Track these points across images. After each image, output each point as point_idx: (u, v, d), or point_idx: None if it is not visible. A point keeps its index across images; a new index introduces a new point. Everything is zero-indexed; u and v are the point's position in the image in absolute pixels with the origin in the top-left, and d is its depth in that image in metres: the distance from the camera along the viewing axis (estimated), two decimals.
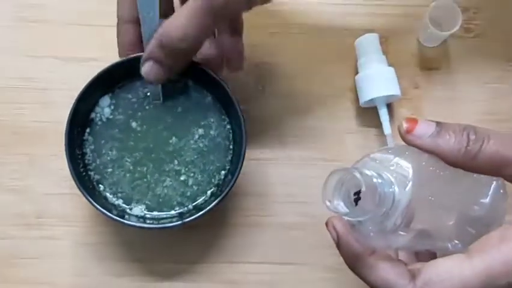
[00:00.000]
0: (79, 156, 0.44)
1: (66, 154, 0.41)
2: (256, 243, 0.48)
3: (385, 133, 0.47)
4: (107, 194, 0.44)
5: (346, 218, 0.32)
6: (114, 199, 0.44)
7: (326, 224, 0.35)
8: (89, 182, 0.44)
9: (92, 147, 0.44)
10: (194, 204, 0.44)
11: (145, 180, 0.44)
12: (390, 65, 0.48)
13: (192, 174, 0.44)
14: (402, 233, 0.31)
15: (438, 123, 0.32)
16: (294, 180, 0.48)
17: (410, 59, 0.51)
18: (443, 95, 0.50)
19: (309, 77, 0.50)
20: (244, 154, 0.42)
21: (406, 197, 0.31)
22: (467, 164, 0.31)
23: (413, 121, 0.32)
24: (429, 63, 0.51)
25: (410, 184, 0.31)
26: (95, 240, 0.47)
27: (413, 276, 0.31)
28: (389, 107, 0.49)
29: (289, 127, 0.49)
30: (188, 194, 0.44)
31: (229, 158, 0.44)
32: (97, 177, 0.44)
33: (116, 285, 0.47)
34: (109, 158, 0.44)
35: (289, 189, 0.48)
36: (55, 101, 0.49)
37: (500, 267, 0.29)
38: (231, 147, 0.45)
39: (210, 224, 0.48)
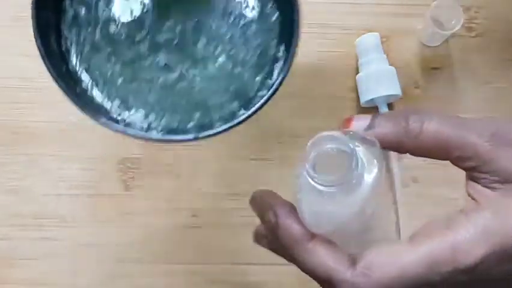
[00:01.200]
0: (59, 33, 0.33)
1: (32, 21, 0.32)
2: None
3: None
4: (97, 93, 0.33)
5: (317, 185, 0.30)
6: (108, 102, 0.33)
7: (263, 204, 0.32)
8: (70, 73, 0.33)
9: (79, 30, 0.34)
10: (222, 115, 0.33)
11: (159, 76, 0.33)
12: (391, 64, 0.48)
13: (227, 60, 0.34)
14: (357, 217, 0.30)
15: (374, 115, 0.31)
16: None
17: (411, 59, 0.50)
18: (444, 95, 0.50)
19: (309, 77, 0.50)
20: (294, 53, 0.33)
21: (373, 178, 0.30)
22: (412, 144, 0.30)
23: (349, 120, 0.32)
24: (430, 62, 0.50)
25: (376, 168, 0.30)
26: (93, 241, 0.47)
27: (353, 261, 0.30)
28: (390, 106, 0.49)
29: (289, 127, 0.49)
30: (213, 101, 0.33)
31: (274, 56, 0.35)
32: (82, 67, 0.33)
33: (115, 286, 0.47)
34: (106, 51, 0.33)
35: (290, 190, 0.48)
36: (54, 101, 0.49)
37: (447, 253, 0.28)
38: (276, 42, 0.35)
39: (210, 225, 0.48)
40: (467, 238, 0.28)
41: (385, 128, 0.31)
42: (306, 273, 0.32)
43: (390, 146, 0.31)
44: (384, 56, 0.48)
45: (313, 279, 0.32)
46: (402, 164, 0.47)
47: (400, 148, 0.31)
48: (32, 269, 0.47)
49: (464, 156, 0.30)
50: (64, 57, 0.33)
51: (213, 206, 0.48)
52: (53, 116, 0.48)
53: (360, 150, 0.30)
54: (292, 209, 0.32)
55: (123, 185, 0.48)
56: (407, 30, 0.51)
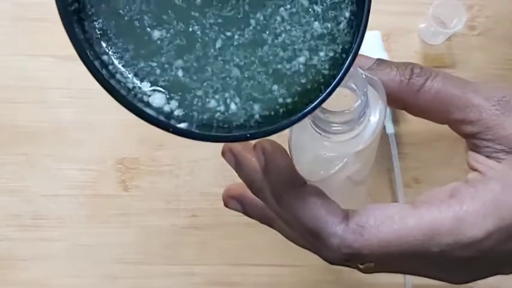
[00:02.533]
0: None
1: None
2: (256, 244, 0.47)
3: (387, 132, 0.47)
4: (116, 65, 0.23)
5: (319, 125, 0.27)
6: (129, 75, 0.23)
7: (254, 146, 0.28)
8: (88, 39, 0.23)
9: None
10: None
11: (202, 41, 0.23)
12: None
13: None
14: (353, 162, 0.28)
15: (377, 59, 0.29)
16: None
17: (413, 57, 0.50)
18: None
19: None
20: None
21: (377, 120, 0.28)
22: (412, 98, 0.28)
23: None
24: (432, 61, 0.50)
25: (379, 111, 0.28)
26: (92, 241, 0.47)
27: (346, 215, 0.27)
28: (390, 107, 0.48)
29: None
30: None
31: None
32: (101, 29, 0.23)
33: (115, 286, 0.47)
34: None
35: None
36: (54, 101, 0.49)
37: (450, 222, 0.26)
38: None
39: (210, 225, 0.47)
40: (474, 210, 0.26)
41: (387, 75, 0.28)
42: (292, 224, 0.29)
43: (388, 96, 0.28)
44: (386, 54, 0.48)
45: (298, 236, 0.29)
46: (404, 164, 0.47)
47: (398, 101, 0.29)
48: (31, 270, 0.47)
49: (467, 120, 0.28)
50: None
51: (213, 206, 0.47)
52: (52, 116, 0.48)
53: (368, 89, 0.28)
54: (284, 151, 0.28)
55: (122, 185, 0.48)
56: (408, 29, 0.50)
